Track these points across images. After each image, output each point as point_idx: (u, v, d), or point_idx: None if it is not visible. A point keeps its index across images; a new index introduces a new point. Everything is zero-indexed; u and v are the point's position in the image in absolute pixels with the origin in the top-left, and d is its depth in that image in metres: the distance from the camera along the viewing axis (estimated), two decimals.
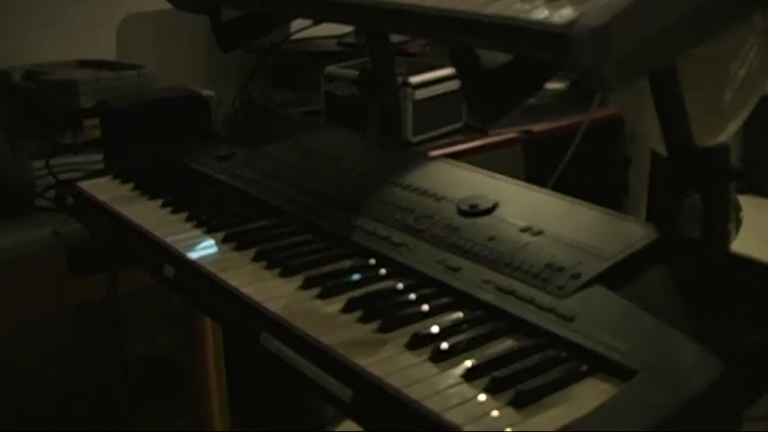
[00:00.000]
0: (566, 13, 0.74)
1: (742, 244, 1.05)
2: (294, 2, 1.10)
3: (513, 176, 1.16)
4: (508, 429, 0.73)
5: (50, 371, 2.44)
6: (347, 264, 1.06)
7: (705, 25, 0.78)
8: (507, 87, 0.91)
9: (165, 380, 2.59)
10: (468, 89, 0.94)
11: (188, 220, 1.25)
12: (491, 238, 1.01)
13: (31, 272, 1.51)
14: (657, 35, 0.73)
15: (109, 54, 2.34)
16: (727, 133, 1.33)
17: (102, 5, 2.33)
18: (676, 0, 0.74)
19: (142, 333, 2.42)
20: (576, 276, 0.91)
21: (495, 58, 0.90)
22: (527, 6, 0.78)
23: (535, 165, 2.70)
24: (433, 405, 0.76)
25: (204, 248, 1.15)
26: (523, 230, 1.01)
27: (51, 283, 1.55)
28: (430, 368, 0.83)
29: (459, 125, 2.01)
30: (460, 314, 0.91)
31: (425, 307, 0.93)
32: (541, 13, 0.76)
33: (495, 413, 0.75)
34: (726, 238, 1.00)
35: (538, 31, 0.75)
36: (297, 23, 2.21)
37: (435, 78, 1.92)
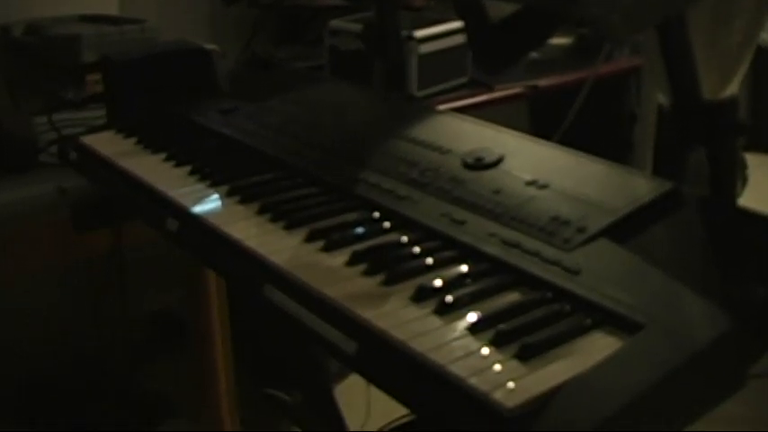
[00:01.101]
0: None
1: (747, 203, 1.04)
2: None
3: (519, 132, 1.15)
4: (511, 384, 0.72)
5: (54, 326, 2.45)
6: (351, 217, 1.05)
7: None
8: (513, 39, 0.90)
9: (168, 335, 2.60)
10: (474, 41, 0.93)
11: (191, 173, 1.24)
12: (496, 192, 1.01)
13: (35, 227, 1.51)
14: None
15: (111, 9, 2.32)
16: (732, 87, 1.32)
17: None
18: None
19: (146, 289, 2.42)
20: (581, 230, 0.91)
21: (501, 9, 0.89)
22: None
23: (540, 120, 2.69)
24: (437, 357, 0.76)
25: (208, 202, 1.14)
26: (529, 184, 1.01)
27: (55, 239, 1.55)
28: (435, 321, 0.82)
29: (464, 80, 2.00)
30: (465, 267, 0.91)
31: (430, 260, 0.93)
32: None
33: (499, 366, 0.75)
34: (733, 192, 1.00)
35: None
36: None
37: (440, 32, 1.91)
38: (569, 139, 1.55)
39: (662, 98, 1.76)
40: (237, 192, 1.15)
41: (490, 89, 1.97)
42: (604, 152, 1.08)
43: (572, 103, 1.76)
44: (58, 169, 1.56)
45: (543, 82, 2.07)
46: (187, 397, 2.29)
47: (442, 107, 1.78)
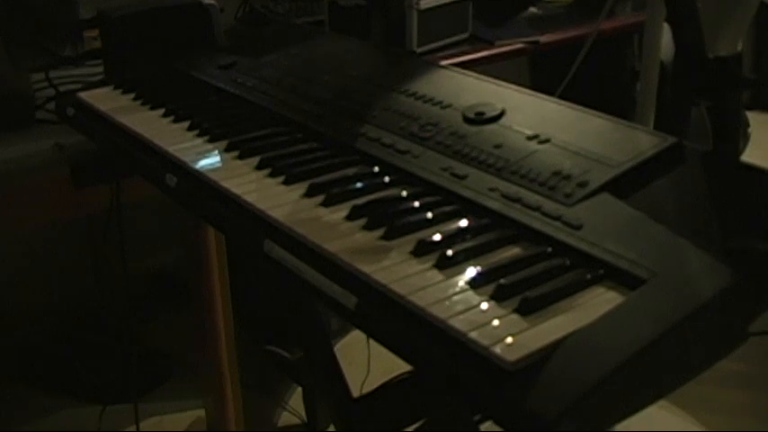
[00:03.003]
0: None
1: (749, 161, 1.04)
2: None
3: None
4: (509, 339, 0.72)
5: (54, 284, 2.45)
6: (351, 171, 1.05)
7: None
8: None
9: (168, 293, 2.60)
10: None
11: (190, 129, 1.23)
12: (497, 146, 1.00)
13: (34, 184, 1.50)
14: None
15: None
16: (735, 43, 1.31)
17: None
18: None
19: (146, 246, 2.42)
20: (583, 184, 0.90)
21: None
22: None
23: (541, 77, 2.68)
24: (438, 311, 0.76)
25: (207, 157, 1.14)
26: (530, 138, 1.00)
27: (54, 196, 1.54)
28: (435, 275, 0.82)
29: (465, 35, 1.98)
30: (466, 222, 0.90)
31: (430, 214, 0.92)
32: None
33: (499, 320, 0.74)
34: (736, 146, 0.99)
35: None
36: None
37: None
38: (571, 95, 1.54)
39: (664, 55, 1.75)
40: (236, 147, 1.14)
41: (491, 45, 1.96)
42: (606, 108, 1.08)
43: (574, 59, 1.75)
44: (56, 126, 1.55)
45: (545, 38, 2.05)
46: (187, 354, 2.30)
47: (442, 63, 1.77)
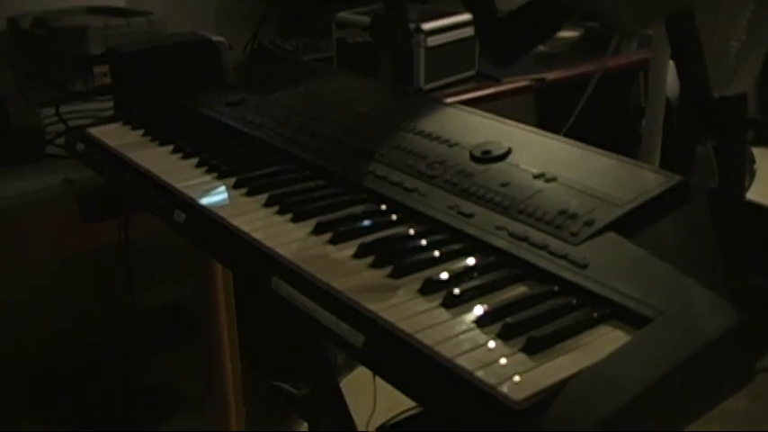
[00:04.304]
0: None
1: (756, 198, 1.04)
2: None
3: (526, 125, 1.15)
4: (517, 377, 0.72)
5: (62, 317, 2.45)
6: (359, 209, 1.05)
7: None
8: (521, 31, 0.90)
9: (175, 327, 2.60)
10: (482, 32, 0.93)
11: (198, 165, 1.24)
12: (504, 185, 1.00)
13: (43, 219, 1.51)
14: None
15: (118, 1, 2.32)
16: (738, 85, 1.31)
17: None
18: None
19: (154, 280, 2.43)
20: (589, 223, 0.91)
21: (508, 1, 0.89)
22: None
23: (548, 113, 2.69)
24: (444, 350, 0.76)
25: (215, 194, 1.14)
26: (537, 177, 1.00)
27: (63, 230, 1.55)
28: (442, 314, 0.82)
29: (471, 73, 1.99)
30: (473, 260, 0.91)
31: (437, 253, 0.92)
32: None
33: (506, 359, 0.75)
34: (741, 185, 0.99)
35: None
36: None
37: (448, 25, 1.90)
38: (577, 132, 1.54)
39: (670, 91, 1.75)
40: (244, 184, 1.15)
41: (498, 82, 1.97)
42: (612, 144, 1.08)
43: (580, 96, 1.76)
44: (66, 161, 1.56)
45: (551, 75, 2.06)
46: (194, 389, 2.30)
47: (449, 100, 1.78)
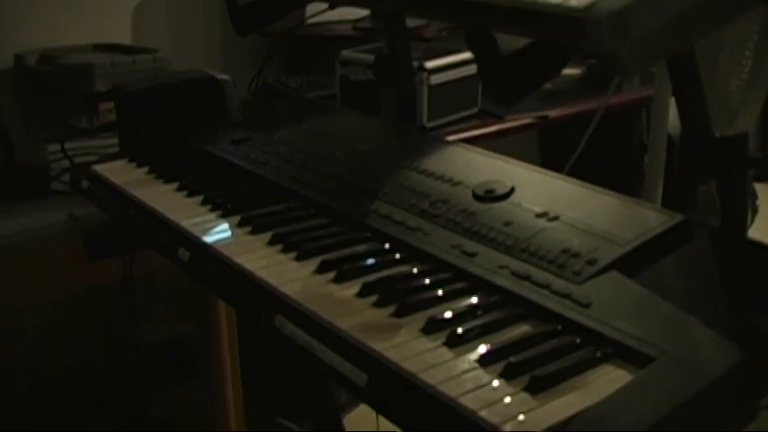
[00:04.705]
0: None
1: (758, 234, 1.04)
2: None
3: (529, 162, 1.16)
4: (521, 416, 0.72)
5: (66, 353, 2.45)
6: (362, 248, 1.06)
7: (720, 11, 0.77)
8: (525, 71, 0.91)
9: (179, 364, 2.60)
10: (486, 72, 0.93)
11: (203, 203, 1.25)
12: (507, 224, 1.01)
13: (48, 255, 1.51)
14: (674, 20, 0.73)
15: (124, 38, 2.34)
16: (740, 124, 1.32)
17: None
18: None
19: (157, 316, 2.42)
20: (591, 262, 0.91)
21: (512, 40, 0.90)
22: None
23: (551, 150, 2.69)
24: (448, 390, 0.76)
25: (219, 232, 1.15)
26: (539, 216, 1.01)
27: (67, 266, 1.55)
28: (445, 353, 0.83)
29: (474, 110, 2.00)
30: (476, 299, 0.91)
31: (440, 292, 0.93)
32: None
33: (510, 398, 0.75)
34: (744, 224, 1.00)
35: (555, 15, 0.75)
36: (312, 7, 2.21)
37: (451, 63, 1.91)
38: (580, 169, 1.55)
39: (672, 128, 1.76)
40: (249, 222, 1.16)
41: (501, 119, 1.98)
42: (615, 180, 1.09)
43: (582, 132, 1.76)
44: (71, 197, 1.56)
45: (553, 112, 2.07)
46: (197, 425, 2.29)
47: (452, 137, 1.79)
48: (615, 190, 1.05)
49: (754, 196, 2.56)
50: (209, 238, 1.13)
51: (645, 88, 2.30)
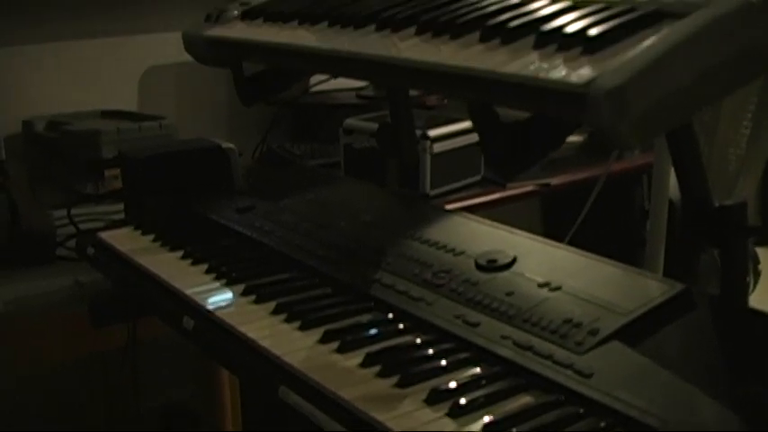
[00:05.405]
0: (584, 73, 0.74)
1: (762, 298, 1.05)
2: (314, 58, 1.11)
3: (531, 229, 1.16)
4: None
5: (68, 418, 2.44)
6: (366, 318, 1.06)
7: (719, 85, 0.78)
8: (527, 143, 0.92)
9: (182, 430, 2.58)
10: (487, 144, 0.95)
11: (208, 272, 1.26)
12: (509, 294, 1.02)
13: (52, 321, 1.52)
14: (673, 95, 0.74)
15: (131, 105, 2.37)
16: (739, 192, 1.33)
17: (125, 57, 2.36)
18: (692, 61, 0.74)
19: (160, 383, 2.42)
20: (594, 332, 0.91)
21: (514, 113, 0.91)
22: (545, 65, 0.79)
23: (553, 218, 2.70)
24: None
25: (223, 301, 1.16)
26: (542, 286, 1.02)
27: (71, 332, 1.55)
28: (448, 423, 0.83)
29: (477, 178, 2.02)
30: (479, 369, 0.92)
31: (444, 362, 0.93)
32: (560, 73, 0.76)
33: None
34: (744, 293, 1.00)
35: (556, 90, 0.76)
36: (316, 75, 2.23)
37: (454, 131, 1.93)
38: (582, 236, 1.56)
39: (673, 194, 1.77)
40: (253, 291, 1.16)
41: (503, 187, 1.99)
42: (617, 248, 1.09)
43: (584, 198, 1.77)
44: (76, 263, 1.57)
45: (556, 180, 2.08)
46: None
47: (454, 205, 1.80)
48: (617, 256, 1.06)
49: (756, 261, 2.56)
50: (213, 307, 1.13)
51: (645, 155, 2.31)
